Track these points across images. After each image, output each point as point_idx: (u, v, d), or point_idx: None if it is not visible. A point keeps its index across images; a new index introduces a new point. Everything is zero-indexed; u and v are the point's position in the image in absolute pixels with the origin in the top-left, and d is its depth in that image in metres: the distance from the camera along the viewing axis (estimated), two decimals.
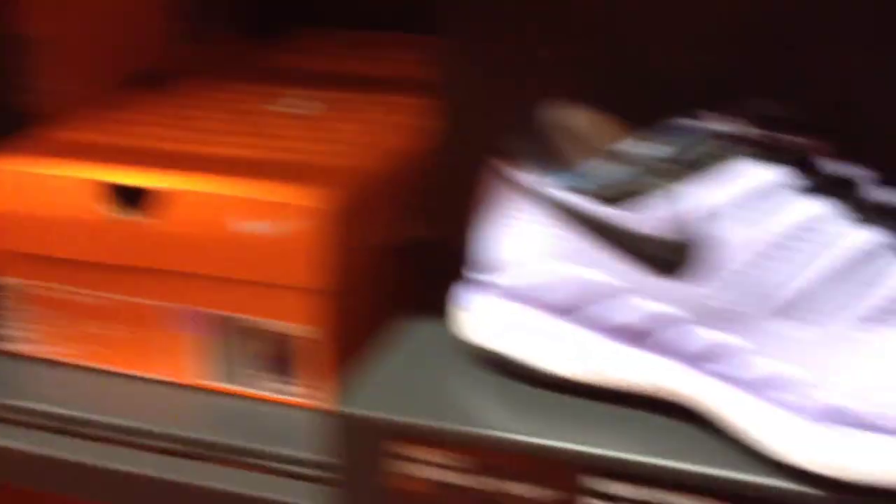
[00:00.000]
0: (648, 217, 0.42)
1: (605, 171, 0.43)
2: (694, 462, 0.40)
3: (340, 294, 0.51)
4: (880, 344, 0.38)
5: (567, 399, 0.45)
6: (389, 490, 0.45)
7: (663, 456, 0.41)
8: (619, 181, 0.42)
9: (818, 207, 0.40)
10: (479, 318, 0.48)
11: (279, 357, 0.53)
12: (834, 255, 0.39)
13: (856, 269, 0.39)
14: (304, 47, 0.73)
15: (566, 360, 0.45)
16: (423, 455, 0.44)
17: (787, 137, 0.42)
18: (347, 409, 0.45)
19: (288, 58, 0.71)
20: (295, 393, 0.53)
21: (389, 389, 0.46)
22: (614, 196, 0.43)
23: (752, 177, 0.40)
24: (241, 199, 0.50)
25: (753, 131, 0.42)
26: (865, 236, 0.39)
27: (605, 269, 0.43)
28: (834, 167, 0.42)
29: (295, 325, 0.51)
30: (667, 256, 0.41)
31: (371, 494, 0.45)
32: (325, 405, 0.47)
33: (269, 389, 0.53)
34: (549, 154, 0.46)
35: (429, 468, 0.44)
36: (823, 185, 0.40)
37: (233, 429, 0.51)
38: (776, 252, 0.39)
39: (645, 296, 0.42)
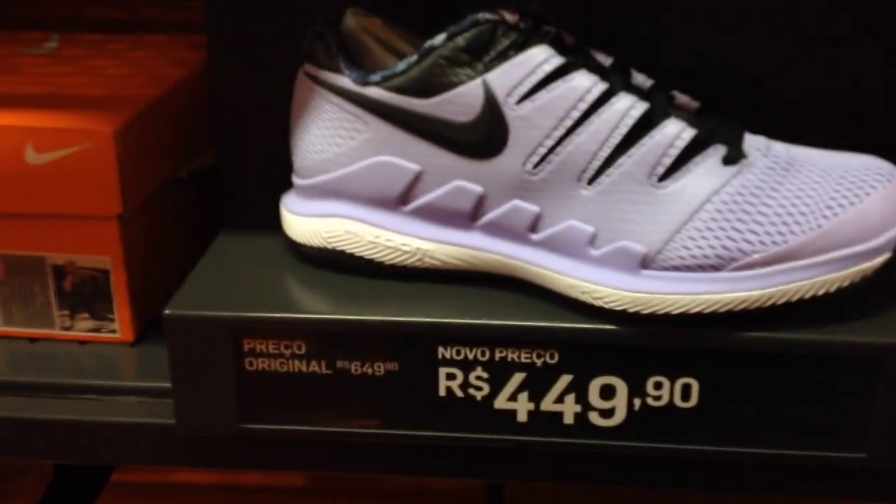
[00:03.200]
0: (455, 103, 0.45)
1: (410, 66, 0.46)
2: (531, 319, 0.45)
3: (135, 220, 0.52)
4: (666, 197, 0.44)
5: (401, 285, 0.48)
6: (239, 387, 0.46)
7: (497, 317, 0.45)
8: (425, 74, 0.45)
9: (602, 84, 0.45)
10: (303, 218, 0.49)
11: (83, 293, 0.52)
12: (620, 126, 0.44)
13: (637, 135, 0.44)
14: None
15: (390, 250, 0.48)
16: (266, 347, 0.46)
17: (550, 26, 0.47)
18: (181, 311, 0.46)
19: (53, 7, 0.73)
20: (105, 328, 0.53)
21: (223, 292, 0.47)
22: (421, 88, 0.45)
23: (543, 60, 0.45)
24: (25, 129, 0.49)
25: (511, 16, 0.45)
26: (641, 106, 0.45)
27: (418, 158, 0.46)
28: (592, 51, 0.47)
29: (93, 258, 0.51)
30: (479, 138, 0.45)
31: (219, 393, 0.47)
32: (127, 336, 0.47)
33: (79, 329, 0.53)
34: (353, 56, 0.48)
35: (274, 359, 0.46)
36: (596, 68, 0.46)
37: (50, 369, 0.51)
38: (574, 126, 0.44)
39: (463, 179, 0.46)
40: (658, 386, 0.46)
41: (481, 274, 0.48)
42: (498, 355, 0.46)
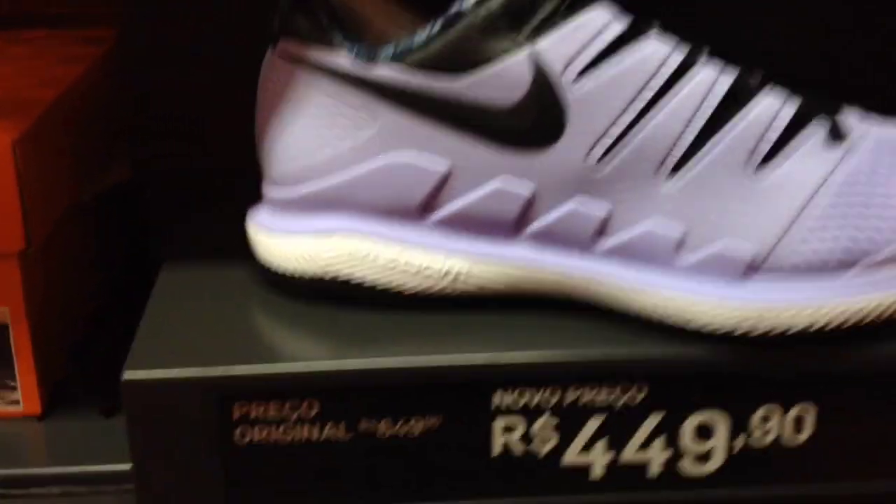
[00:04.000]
0: (495, 82, 0.35)
1: (431, 38, 0.35)
2: (610, 349, 0.36)
3: (38, 258, 0.40)
4: (770, 186, 0.35)
5: (431, 318, 0.38)
6: (226, 467, 0.35)
7: (566, 349, 0.35)
8: (453, 46, 0.35)
9: (678, 54, 0.36)
10: (290, 239, 0.38)
11: None
12: (706, 102, 0.35)
13: (727, 113, 0.36)
14: None
15: (412, 274, 0.38)
16: (264, 413, 0.35)
17: None
18: (146, 374, 0.34)
19: None
20: (4, 399, 0.40)
21: (196, 345, 0.36)
22: (449, 65, 0.35)
23: (603, 25, 0.35)
24: None
25: None
26: (727, 78, 0.36)
27: (446, 153, 0.36)
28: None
29: None
30: (526, 125, 0.35)
31: (200, 477, 0.35)
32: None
33: None
34: (345, 25, 0.37)
35: (275, 427, 0.35)
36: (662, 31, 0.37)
37: None
38: (649, 105, 0.35)
39: (507, 177, 0.36)
40: (765, 419, 0.37)
41: (531, 297, 0.38)
42: (569, 398, 0.36)
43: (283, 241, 0.38)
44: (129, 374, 0.34)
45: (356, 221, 0.37)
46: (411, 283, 0.37)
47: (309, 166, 0.37)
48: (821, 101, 0.37)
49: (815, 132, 0.36)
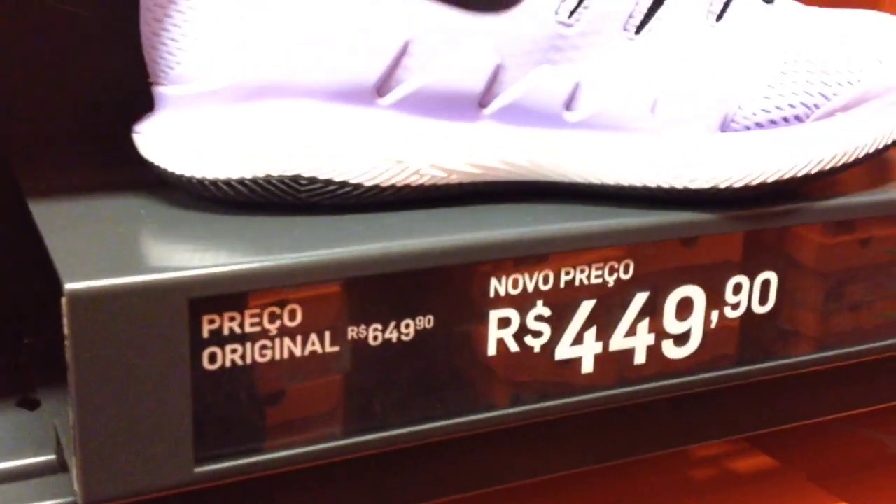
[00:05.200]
0: None
1: None
2: (592, 221, 0.33)
3: None
4: (728, 40, 0.35)
5: (397, 214, 0.33)
6: (196, 402, 0.28)
7: (553, 224, 0.32)
8: None
9: None
10: (211, 139, 0.32)
11: None
12: None
13: None
14: None
15: (373, 163, 0.33)
16: (240, 324, 0.28)
17: None
18: (94, 283, 0.27)
19: None
20: None
21: (134, 253, 0.28)
22: None
23: None
24: None
25: None
26: None
27: (404, 19, 0.32)
28: None
29: None
30: None
31: (163, 420, 0.28)
32: None
33: None
34: None
35: (253, 343, 0.29)
36: None
37: None
38: None
39: (470, 45, 0.33)
40: (737, 290, 0.36)
41: (500, 186, 0.34)
42: (564, 279, 0.33)
43: (208, 143, 0.32)
44: (73, 285, 0.26)
45: (302, 107, 0.32)
46: (372, 174, 0.33)
47: (230, 49, 0.31)
48: None
49: None
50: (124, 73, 0.39)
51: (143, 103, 0.34)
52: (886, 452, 0.56)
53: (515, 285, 0.32)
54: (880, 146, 0.36)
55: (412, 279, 0.30)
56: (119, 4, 0.41)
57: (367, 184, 0.33)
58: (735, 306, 0.36)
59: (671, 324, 0.35)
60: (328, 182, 0.32)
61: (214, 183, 0.32)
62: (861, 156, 0.36)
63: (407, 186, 0.33)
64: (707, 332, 0.36)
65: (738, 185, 0.34)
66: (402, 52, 0.32)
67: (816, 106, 0.35)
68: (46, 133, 0.41)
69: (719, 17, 0.35)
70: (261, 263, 0.28)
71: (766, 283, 0.36)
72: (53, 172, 0.37)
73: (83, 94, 0.41)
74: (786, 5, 0.37)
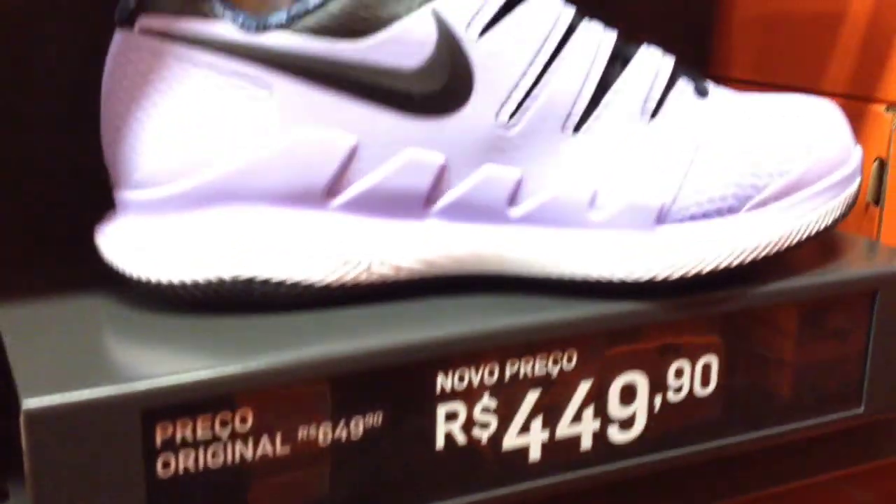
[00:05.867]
0: (399, 42, 0.33)
1: None
2: (537, 314, 0.34)
3: None
4: (663, 135, 0.36)
5: (349, 312, 0.34)
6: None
7: (499, 320, 0.33)
8: (353, 6, 0.33)
9: (568, 9, 0.36)
10: (171, 245, 0.33)
11: None
12: (598, 57, 0.36)
13: (617, 68, 0.36)
14: None
15: (323, 264, 0.34)
16: (192, 431, 0.29)
17: None
18: (50, 399, 0.27)
19: None
20: None
21: (90, 365, 0.29)
22: (349, 27, 0.33)
23: None
24: None
25: None
26: (610, 35, 0.37)
27: (352, 126, 0.33)
28: None
29: None
30: (435, 87, 0.34)
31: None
32: None
33: None
34: None
35: (204, 449, 0.30)
36: None
37: None
38: (550, 60, 0.35)
39: (416, 147, 0.34)
40: (679, 374, 0.37)
41: (447, 279, 0.36)
42: (509, 372, 0.34)
43: (165, 248, 0.33)
44: (31, 403, 0.27)
45: (254, 212, 0.33)
46: (322, 274, 0.34)
47: (188, 157, 0.33)
48: (677, 62, 0.39)
49: (687, 87, 0.38)
50: (88, 167, 0.40)
51: (107, 200, 0.35)
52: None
53: (462, 379, 0.33)
54: (812, 233, 0.38)
55: (361, 379, 0.31)
56: (85, 98, 0.42)
57: (319, 284, 0.34)
58: (678, 390, 0.37)
59: (616, 409, 0.36)
60: (281, 283, 0.33)
61: (171, 285, 0.33)
62: (793, 243, 0.37)
63: (357, 285, 0.34)
64: (651, 416, 0.37)
65: (674, 276, 0.35)
66: (351, 157, 0.33)
67: (749, 197, 0.36)
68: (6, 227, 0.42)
69: (654, 114, 0.36)
70: (210, 373, 0.29)
71: (706, 367, 0.37)
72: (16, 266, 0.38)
73: (47, 187, 0.42)
74: (719, 97, 0.38)
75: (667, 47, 0.57)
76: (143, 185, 0.33)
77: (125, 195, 0.34)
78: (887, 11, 0.49)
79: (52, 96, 0.43)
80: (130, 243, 0.33)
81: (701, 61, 0.59)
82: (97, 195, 0.35)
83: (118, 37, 0.34)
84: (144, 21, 0.33)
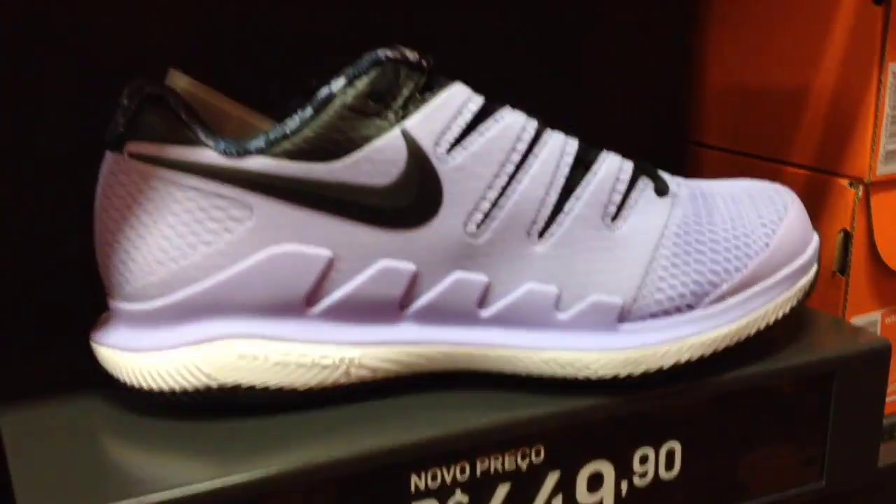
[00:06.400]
0: (372, 161, 0.35)
1: (304, 123, 0.35)
2: (511, 412, 0.36)
3: None
4: (623, 237, 0.38)
5: (328, 413, 0.36)
6: None
7: (470, 420, 0.36)
8: (328, 130, 0.35)
9: (532, 122, 0.38)
10: (160, 354, 0.35)
11: None
12: (561, 165, 0.38)
13: (579, 174, 0.38)
14: None
15: (304, 370, 0.36)
16: None
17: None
18: None
19: None
20: None
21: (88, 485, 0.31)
22: (325, 149, 0.35)
23: (464, 101, 0.37)
24: None
25: (411, 54, 0.38)
26: (573, 142, 0.39)
27: (328, 241, 0.36)
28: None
29: None
30: (406, 202, 0.36)
31: None
32: None
33: None
34: (195, 120, 0.36)
35: None
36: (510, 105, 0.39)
37: None
38: (515, 171, 0.37)
39: (389, 258, 0.36)
40: (644, 460, 0.39)
41: (423, 375, 0.38)
42: (480, 469, 0.36)
43: (155, 357, 0.35)
44: None
45: (239, 323, 0.36)
46: (304, 380, 0.36)
47: (176, 273, 0.35)
48: (638, 161, 0.41)
49: (647, 187, 0.40)
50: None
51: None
52: None
53: (435, 478, 0.35)
54: (770, 322, 0.40)
55: (340, 482, 0.34)
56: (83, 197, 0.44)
57: (301, 389, 0.36)
58: (643, 475, 0.39)
59: (584, 496, 0.38)
60: (265, 390, 0.36)
61: (161, 393, 0.35)
62: (751, 334, 0.40)
63: (337, 387, 0.36)
64: (619, 501, 0.39)
65: (637, 373, 0.38)
66: (328, 269, 0.36)
67: (706, 293, 0.39)
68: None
69: (614, 217, 0.38)
70: (185, 490, 0.31)
71: (671, 452, 0.40)
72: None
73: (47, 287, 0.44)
74: (678, 194, 0.40)
75: (644, 114, 0.60)
76: (133, 299, 0.36)
77: (117, 305, 0.36)
78: (852, 87, 0.51)
79: (58, 191, 0.45)
80: (122, 352, 0.36)
81: (678, 128, 0.62)
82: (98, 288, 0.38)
83: (109, 157, 0.36)
84: (133, 146, 0.35)
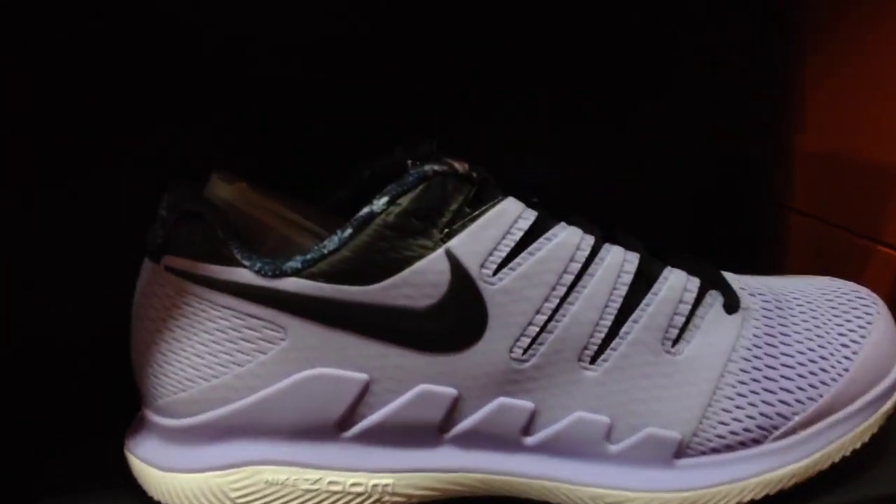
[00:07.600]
0: (412, 283, 0.34)
1: (342, 243, 0.33)
2: None
3: None
4: (685, 361, 0.36)
5: None
6: None
7: None
8: (366, 251, 0.33)
9: (589, 238, 0.35)
10: (189, 476, 0.34)
11: None
12: (619, 284, 0.35)
13: (639, 293, 0.36)
14: None
15: (335, 497, 0.35)
16: None
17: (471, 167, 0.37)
18: None
19: None
20: None
21: None
22: (363, 271, 0.33)
23: (515, 217, 0.35)
24: None
25: (461, 165, 0.36)
26: (633, 257, 0.36)
27: (364, 364, 0.34)
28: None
29: None
30: (447, 326, 0.34)
31: None
32: None
33: None
34: (242, 234, 0.34)
35: None
36: (569, 217, 0.36)
37: None
38: (567, 292, 0.35)
39: (428, 383, 0.34)
40: None
41: (460, 499, 0.36)
42: None
43: (184, 478, 0.34)
44: None
45: (268, 447, 0.34)
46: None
47: (206, 392, 0.34)
48: (709, 272, 0.38)
49: (715, 302, 0.37)
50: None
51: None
52: None
53: None
54: (845, 454, 0.37)
55: None
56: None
57: None
58: None
59: None
60: None
61: None
62: (824, 468, 0.36)
63: None
64: None
65: None
66: (363, 393, 0.34)
67: (775, 427, 0.36)
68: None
69: (676, 340, 0.36)
70: None
71: None
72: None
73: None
74: (750, 307, 0.37)
75: (729, 177, 0.56)
76: (164, 413, 0.35)
77: (150, 416, 0.35)
78: None
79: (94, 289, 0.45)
80: (150, 468, 0.35)
81: (762, 191, 0.58)
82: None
83: (147, 266, 0.35)
84: (169, 260, 0.34)
